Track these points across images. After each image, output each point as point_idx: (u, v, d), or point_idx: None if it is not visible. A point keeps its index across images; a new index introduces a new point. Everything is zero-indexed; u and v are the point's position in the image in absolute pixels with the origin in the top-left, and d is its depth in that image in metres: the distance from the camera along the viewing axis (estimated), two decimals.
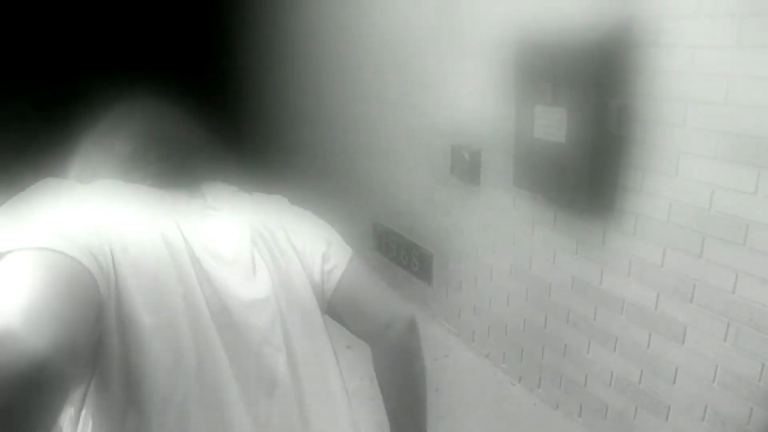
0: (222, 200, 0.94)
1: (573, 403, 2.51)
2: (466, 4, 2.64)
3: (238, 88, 5.25)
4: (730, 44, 1.66)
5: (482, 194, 2.80)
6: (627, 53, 1.92)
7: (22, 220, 0.68)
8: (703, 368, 1.92)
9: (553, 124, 2.09)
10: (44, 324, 0.57)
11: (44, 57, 5.72)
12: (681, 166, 1.86)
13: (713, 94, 1.73)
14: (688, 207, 1.87)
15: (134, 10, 5.61)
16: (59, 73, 5.47)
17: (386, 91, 3.36)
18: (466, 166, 2.78)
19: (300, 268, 0.93)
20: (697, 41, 1.74)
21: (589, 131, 1.98)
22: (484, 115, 2.67)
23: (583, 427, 2.45)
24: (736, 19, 1.63)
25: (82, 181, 0.86)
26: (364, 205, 3.96)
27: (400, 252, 3.61)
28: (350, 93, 3.76)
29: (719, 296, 1.83)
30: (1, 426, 0.52)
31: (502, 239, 2.74)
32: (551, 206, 2.41)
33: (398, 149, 3.39)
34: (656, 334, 2.07)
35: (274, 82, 4.79)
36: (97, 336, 0.69)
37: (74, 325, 0.61)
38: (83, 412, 0.75)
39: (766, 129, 1.62)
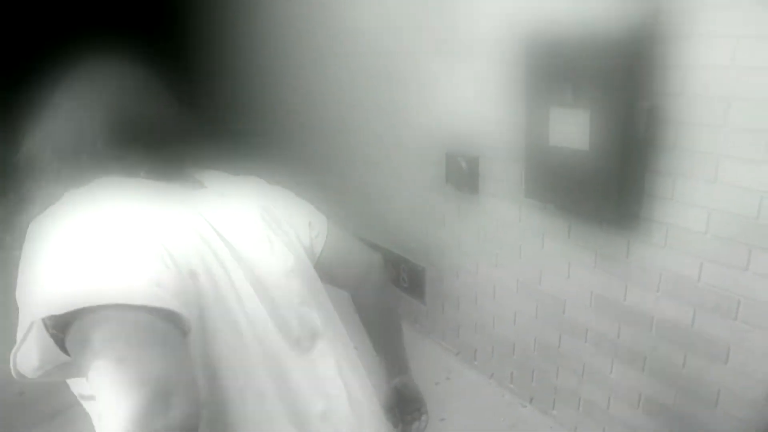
0: (221, 185, 1.01)
1: (594, 427, 2.33)
2: None
3: (215, 76, 4.89)
4: None
5: (481, 204, 2.59)
6: (657, 48, 1.73)
7: (95, 261, 0.72)
8: (751, 390, 1.76)
9: (572, 129, 1.89)
10: (184, 386, 0.67)
11: None
12: (721, 171, 1.69)
13: (759, 90, 1.55)
14: (730, 216, 1.69)
15: None
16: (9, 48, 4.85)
17: (371, 93, 3.11)
18: (463, 175, 2.56)
19: (296, 238, 1.05)
20: (740, 32, 1.56)
21: (615, 136, 1.79)
22: (482, 121, 2.45)
23: None
24: None
25: (72, 180, 0.86)
26: (346, 215, 3.70)
27: (388, 267, 3.36)
28: (330, 96, 3.49)
29: None
30: None
31: (506, 252, 2.53)
32: (564, 216, 2.21)
33: (384, 156, 3.14)
34: (693, 354, 1.89)
35: (250, 73, 4.47)
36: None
37: (184, 365, 0.70)
38: None
39: None
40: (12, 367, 0.76)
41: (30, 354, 0.74)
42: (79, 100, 0.92)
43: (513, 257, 2.51)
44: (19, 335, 0.74)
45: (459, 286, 2.88)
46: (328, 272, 1.11)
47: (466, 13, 2.37)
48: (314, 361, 0.99)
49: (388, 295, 1.27)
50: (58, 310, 0.68)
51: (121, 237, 0.77)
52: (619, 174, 1.83)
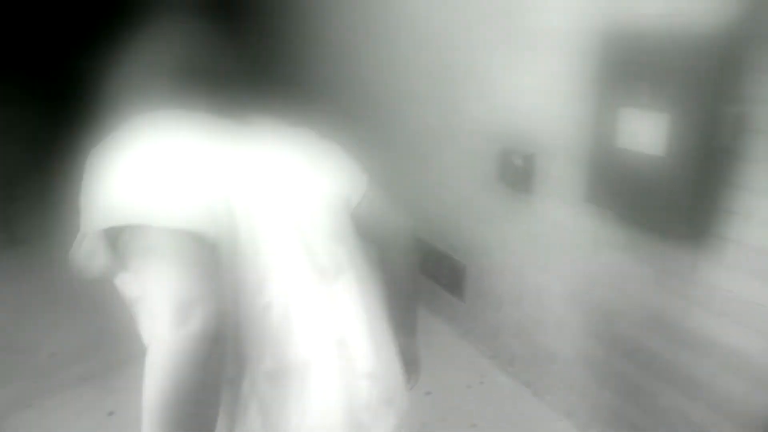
0: (272, 129, 1.11)
1: None
2: None
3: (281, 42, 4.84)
4: None
5: (534, 205, 2.45)
6: (751, 49, 1.56)
7: (142, 184, 0.84)
8: None
9: (645, 132, 1.73)
10: (206, 300, 0.77)
11: None
12: None
13: None
14: None
15: None
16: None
17: (425, 83, 2.99)
18: (517, 173, 2.42)
19: (335, 186, 1.13)
20: None
21: (695, 142, 1.62)
22: (541, 117, 2.30)
23: None
24: None
25: (142, 111, 0.95)
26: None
27: (428, 261, 3.26)
28: (382, 82, 3.38)
29: None
30: (196, 373, 0.74)
31: (556, 257, 2.39)
32: (624, 225, 2.05)
33: (433, 148, 3.02)
34: (760, 389, 1.73)
35: (307, 42, 4.40)
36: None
37: (208, 282, 0.80)
38: None
39: None
40: (74, 266, 0.92)
41: (89, 255, 0.90)
42: (156, 42, 1.03)
43: (563, 263, 2.36)
44: (79, 238, 0.89)
45: (502, 288, 2.75)
46: (360, 225, 1.19)
47: (535, 3, 2.22)
48: (337, 292, 1.08)
49: (411, 261, 1.32)
50: (110, 223, 0.83)
51: (168, 166, 0.89)
52: (694, 185, 1.67)
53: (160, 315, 0.75)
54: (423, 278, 3.35)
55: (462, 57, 2.67)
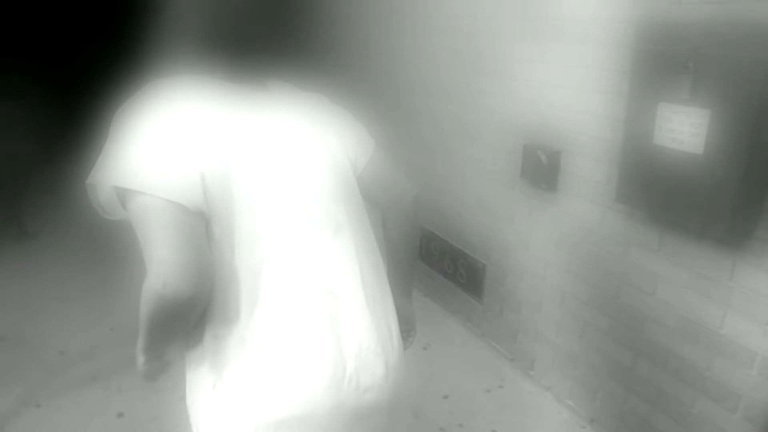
0: (286, 94, 1.17)
1: None
2: None
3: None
4: None
5: (558, 203, 2.35)
6: None
7: (147, 152, 0.94)
8: None
9: (685, 129, 1.64)
10: (183, 270, 0.90)
11: None
12: None
13: None
14: None
15: None
16: None
17: (442, 77, 2.90)
18: (542, 169, 2.33)
19: (342, 150, 1.18)
20: None
21: (739, 141, 1.53)
22: (569, 112, 2.21)
23: None
24: None
25: (170, 76, 1.03)
26: None
27: (444, 260, 3.17)
28: (399, 73, 3.29)
29: None
30: (159, 331, 1.01)
31: (581, 258, 2.30)
32: (655, 226, 1.96)
33: (452, 143, 2.93)
34: None
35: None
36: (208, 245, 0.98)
37: (201, 255, 0.94)
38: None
39: None
40: (95, 205, 1.05)
41: (105, 201, 1.03)
42: (188, 5, 1.06)
43: (589, 265, 2.27)
44: (92, 185, 1.01)
45: (522, 289, 2.67)
46: (365, 187, 1.24)
47: None
48: (334, 248, 1.11)
49: (413, 224, 1.35)
50: (117, 183, 0.94)
51: (174, 136, 0.97)
52: (737, 185, 1.57)
53: (147, 270, 0.91)
54: (440, 276, 3.27)
55: (484, 48, 2.58)
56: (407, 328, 1.44)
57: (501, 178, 2.64)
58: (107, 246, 4.10)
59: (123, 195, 0.95)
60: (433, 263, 3.29)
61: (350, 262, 1.12)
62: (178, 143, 0.96)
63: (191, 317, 1.00)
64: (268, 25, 1.13)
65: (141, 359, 1.16)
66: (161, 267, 0.90)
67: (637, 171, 1.85)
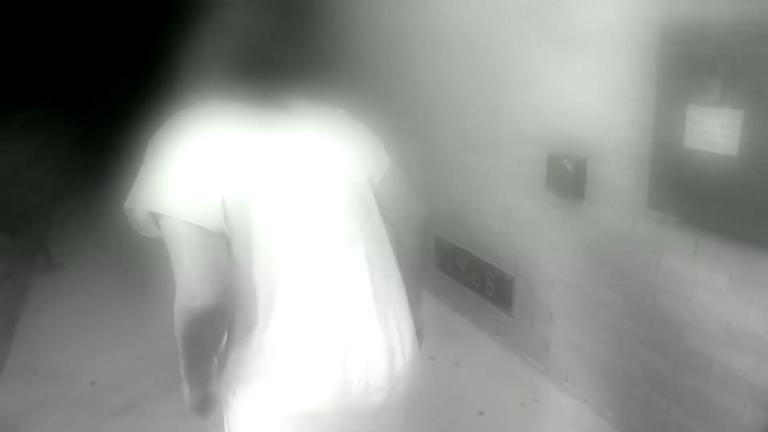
0: (307, 113, 1.22)
1: None
2: None
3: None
4: None
5: (587, 212, 2.32)
6: None
7: (175, 179, 1.04)
8: None
9: (717, 131, 1.60)
10: (207, 285, 1.02)
11: None
12: None
13: None
14: None
15: None
16: None
17: (464, 85, 2.89)
18: (568, 179, 2.30)
19: (359, 166, 1.23)
20: None
21: None
22: (593, 119, 2.18)
23: None
24: None
25: (201, 102, 1.13)
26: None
27: (471, 273, 3.14)
28: (416, 85, 3.29)
29: None
30: (195, 346, 1.12)
31: (614, 267, 2.26)
32: (690, 231, 1.91)
33: (476, 155, 2.92)
34: None
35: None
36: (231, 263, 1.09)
37: (222, 270, 1.05)
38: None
39: None
40: (134, 225, 1.14)
41: (141, 222, 1.12)
42: (217, 33, 1.15)
43: (622, 273, 2.22)
44: (129, 207, 1.10)
45: (553, 300, 2.62)
46: (380, 202, 1.28)
47: None
48: (347, 260, 1.17)
49: (422, 240, 1.42)
50: (150, 208, 1.05)
51: (200, 164, 1.06)
52: None
53: (176, 287, 1.03)
54: (467, 290, 3.23)
55: (505, 59, 2.57)
56: (417, 335, 1.45)
57: (526, 189, 2.61)
58: (135, 275, 4.14)
59: (155, 217, 1.07)
60: (460, 277, 3.25)
61: (362, 273, 1.19)
62: (202, 170, 1.05)
63: (218, 327, 1.12)
64: (287, 48, 1.20)
65: (186, 389, 1.25)
66: (188, 283, 1.02)
67: (668, 176, 1.81)
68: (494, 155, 2.77)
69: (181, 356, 1.16)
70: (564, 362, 2.64)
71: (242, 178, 1.07)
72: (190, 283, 1.02)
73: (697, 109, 1.64)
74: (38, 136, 4.18)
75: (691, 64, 1.63)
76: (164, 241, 1.06)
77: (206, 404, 1.27)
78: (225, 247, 1.06)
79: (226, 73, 1.14)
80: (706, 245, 1.88)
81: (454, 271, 3.30)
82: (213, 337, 1.14)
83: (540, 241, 2.62)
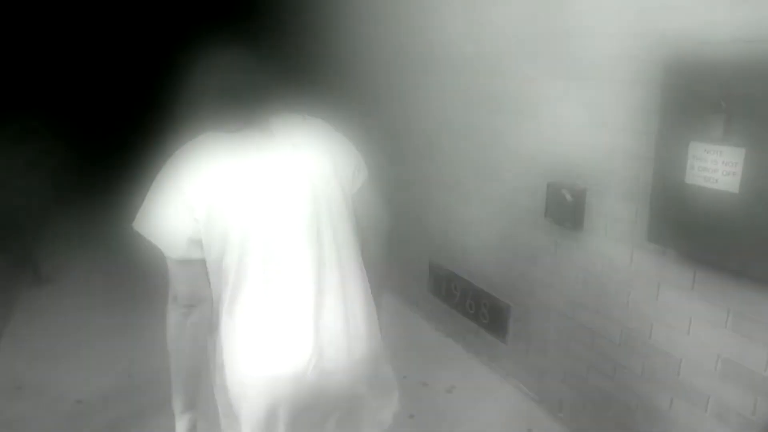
0: (290, 132, 1.40)
1: None
2: (575, 8, 2.19)
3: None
4: None
5: (585, 242, 2.33)
6: None
7: (162, 215, 1.30)
8: None
9: (718, 168, 1.62)
10: (185, 291, 1.32)
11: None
12: None
13: None
14: None
15: None
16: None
17: (461, 116, 2.92)
18: (567, 208, 2.31)
19: (335, 177, 1.39)
20: None
21: None
22: (593, 150, 2.20)
23: None
24: None
25: (207, 130, 1.36)
26: (420, 240, 3.50)
27: (466, 300, 3.13)
28: (416, 112, 3.32)
29: None
30: (190, 350, 1.38)
31: (610, 298, 2.26)
32: (688, 265, 1.92)
33: (473, 183, 2.93)
34: None
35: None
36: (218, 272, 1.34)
37: (196, 282, 1.33)
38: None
39: None
40: (148, 238, 1.31)
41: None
42: (202, 81, 1.36)
43: (619, 304, 2.23)
44: (136, 228, 1.32)
45: (548, 329, 2.61)
46: (357, 197, 1.46)
47: (586, 31, 2.14)
48: (317, 260, 1.36)
49: (385, 248, 1.61)
50: (145, 235, 1.30)
51: (183, 193, 1.28)
52: None
53: (170, 304, 1.35)
54: (461, 316, 3.22)
55: (504, 87, 2.60)
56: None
57: (524, 217, 2.62)
58: (125, 290, 4.08)
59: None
60: (454, 303, 3.24)
61: (330, 270, 1.38)
62: (186, 207, 1.27)
63: (200, 323, 1.36)
64: (265, 81, 1.39)
65: (178, 408, 1.44)
66: (174, 290, 1.33)
67: (668, 210, 1.83)
68: (493, 181, 2.79)
69: (173, 374, 1.41)
70: (558, 392, 2.63)
71: (220, 198, 1.28)
72: (175, 290, 1.32)
73: (699, 145, 1.66)
74: (30, 148, 4.13)
75: (694, 100, 1.65)
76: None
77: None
78: (202, 265, 1.31)
79: (212, 107, 1.35)
80: (704, 280, 1.89)
81: (449, 297, 3.28)
82: (197, 336, 1.38)
83: (537, 270, 2.62)
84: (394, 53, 3.41)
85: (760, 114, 1.51)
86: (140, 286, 4.16)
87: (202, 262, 1.31)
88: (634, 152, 2.02)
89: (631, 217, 2.09)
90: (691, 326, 1.97)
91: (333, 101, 3.94)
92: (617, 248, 2.19)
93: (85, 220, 5.57)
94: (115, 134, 8.03)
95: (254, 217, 1.31)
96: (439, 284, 3.36)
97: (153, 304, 4.07)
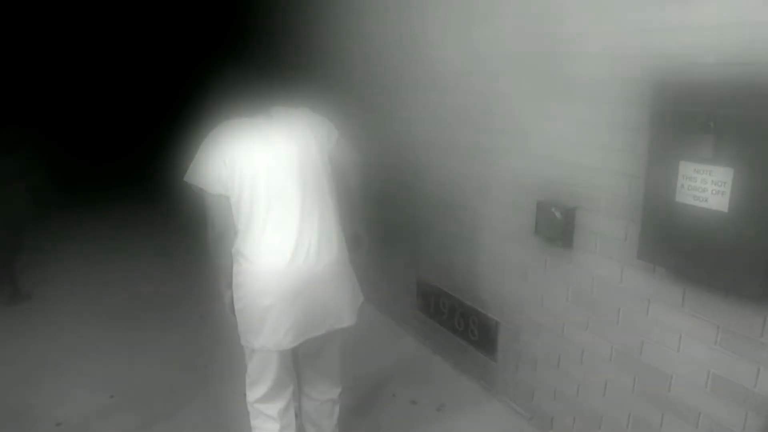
0: (280, 116, 2.09)
1: None
2: (565, 28, 2.23)
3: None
4: None
5: (575, 260, 2.35)
6: None
7: (204, 165, 1.98)
8: None
9: (708, 187, 1.66)
10: (218, 221, 2.06)
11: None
12: None
13: None
14: None
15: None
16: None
17: (451, 133, 2.94)
18: (557, 226, 2.34)
19: (315, 143, 2.08)
20: None
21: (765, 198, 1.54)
22: (583, 169, 2.24)
23: None
24: None
25: (231, 117, 2.06)
26: (408, 257, 3.50)
27: (454, 317, 3.13)
28: (405, 130, 3.33)
29: None
30: (220, 257, 2.10)
31: (601, 315, 2.28)
32: (678, 282, 1.95)
33: (462, 201, 2.95)
34: None
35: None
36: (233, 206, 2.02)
37: (225, 215, 2.03)
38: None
39: None
40: (196, 184, 2.00)
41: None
42: (222, 90, 2.08)
43: (609, 321, 2.25)
44: (186, 179, 2.02)
45: (538, 347, 2.62)
46: (335, 159, 2.15)
47: (576, 51, 2.19)
48: (298, 199, 2.01)
49: (359, 178, 2.30)
50: (192, 182, 2.00)
51: (218, 153, 1.97)
52: (763, 241, 1.58)
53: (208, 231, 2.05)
54: (450, 333, 3.21)
55: (494, 105, 2.63)
56: (360, 240, 2.40)
57: (513, 234, 2.64)
58: (107, 308, 4.01)
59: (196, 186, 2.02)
60: (443, 320, 3.24)
61: (311, 203, 2.03)
62: (218, 161, 1.96)
63: (227, 244, 2.04)
64: (268, 88, 2.10)
65: (224, 294, 2.14)
66: (211, 220, 2.02)
67: (659, 228, 1.86)
68: (483, 199, 2.81)
69: (216, 270, 2.12)
70: (548, 409, 2.63)
71: (239, 156, 1.96)
72: (211, 220, 2.02)
73: (689, 165, 1.70)
74: (11, 161, 4.05)
75: (684, 121, 1.69)
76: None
77: (231, 304, 2.09)
78: (226, 201, 1.99)
79: (231, 104, 2.06)
80: (694, 297, 1.92)
81: (437, 315, 3.28)
82: (225, 251, 2.05)
83: (526, 287, 2.63)
84: (384, 71, 3.44)
85: (747, 135, 1.55)
86: (124, 302, 4.10)
87: (228, 199, 1.98)
88: (624, 171, 2.06)
89: (621, 235, 2.12)
90: (681, 343, 1.99)
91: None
92: (607, 266, 2.21)
93: (65, 236, 5.48)
94: (98, 150, 7.96)
95: (260, 168, 1.97)
96: (427, 301, 3.36)
97: (134, 321, 4.03)
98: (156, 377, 3.12)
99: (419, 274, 3.42)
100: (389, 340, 3.55)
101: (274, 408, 2.15)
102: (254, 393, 2.15)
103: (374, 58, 3.50)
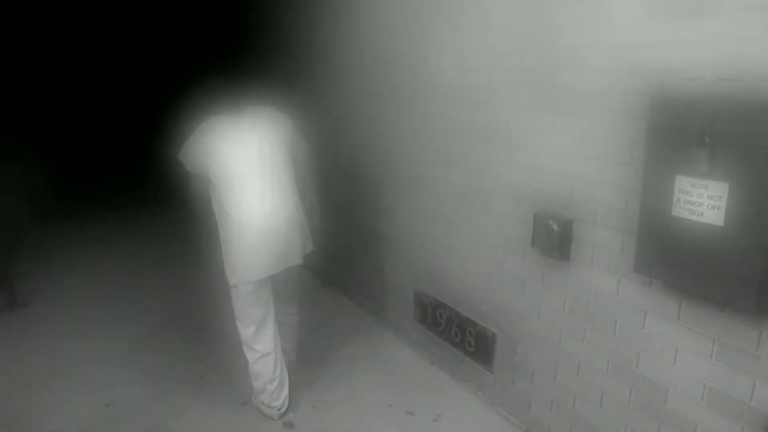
0: (254, 117, 2.76)
1: None
2: (564, 42, 2.26)
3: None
4: None
5: (572, 272, 2.36)
6: None
7: (193, 154, 2.75)
8: None
9: (704, 201, 1.67)
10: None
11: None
12: None
13: None
14: None
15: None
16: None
17: (448, 145, 2.96)
18: (554, 238, 2.35)
19: (276, 136, 2.77)
20: None
21: (763, 213, 1.56)
22: (581, 182, 2.25)
23: None
24: None
25: (213, 115, 2.76)
26: (405, 268, 3.51)
27: (451, 327, 3.13)
28: (400, 141, 3.35)
29: None
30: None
31: (597, 327, 2.29)
32: (674, 295, 1.96)
33: (459, 212, 2.96)
34: None
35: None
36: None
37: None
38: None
39: None
40: (182, 161, 2.79)
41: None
42: (204, 94, 2.76)
43: (605, 334, 2.25)
44: (179, 158, 2.79)
45: (535, 358, 2.63)
46: (292, 148, 2.81)
47: (574, 64, 2.21)
48: (272, 181, 2.68)
49: (310, 160, 2.98)
50: (184, 163, 2.79)
51: (202, 144, 2.72)
52: (763, 256, 1.59)
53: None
54: (446, 344, 3.21)
55: (492, 117, 2.65)
56: (313, 208, 3.03)
57: (510, 246, 2.65)
58: (103, 316, 4.00)
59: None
60: (440, 331, 3.24)
61: (271, 178, 2.67)
62: (201, 151, 2.68)
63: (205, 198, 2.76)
64: (243, 92, 2.80)
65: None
66: (193, 190, 2.77)
67: (655, 242, 1.87)
68: (480, 210, 2.82)
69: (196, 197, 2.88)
70: (545, 420, 2.63)
71: (218, 146, 2.65)
72: (193, 189, 2.73)
73: (685, 179, 1.71)
74: (9, 170, 4.06)
75: (680, 135, 1.71)
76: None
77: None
78: (204, 180, 2.70)
79: (212, 105, 2.73)
80: (690, 311, 1.93)
81: (434, 325, 3.28)
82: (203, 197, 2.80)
83: (523, 299, 2.64)
84: (382, 82, 3.46)
85: (743, 150, 1.56)
86: (118, 312, 4.09)
87: (207, 179, 2.68)
88: (621, 184, 2.08)
89: (618, 248, 2.13)
90: (677, 356, 2.00)
91: (317, 125, 3.96)
92: (604, 278, 2.22)
93: (62, 244, 5.47)
94: (95, 161, 7.97)
95: (234, 155, 2.63)
96: (424, 312, 3.36)
97: (130, 330, 4.02)
98: (152, 386, 3.11)
99: (417, 284, 3.43)
100: (386, 350, 3.55)
101: (261, 343, 2.75)
102: (244, 332, 2.75)
103: (374, 69, 3.53)
